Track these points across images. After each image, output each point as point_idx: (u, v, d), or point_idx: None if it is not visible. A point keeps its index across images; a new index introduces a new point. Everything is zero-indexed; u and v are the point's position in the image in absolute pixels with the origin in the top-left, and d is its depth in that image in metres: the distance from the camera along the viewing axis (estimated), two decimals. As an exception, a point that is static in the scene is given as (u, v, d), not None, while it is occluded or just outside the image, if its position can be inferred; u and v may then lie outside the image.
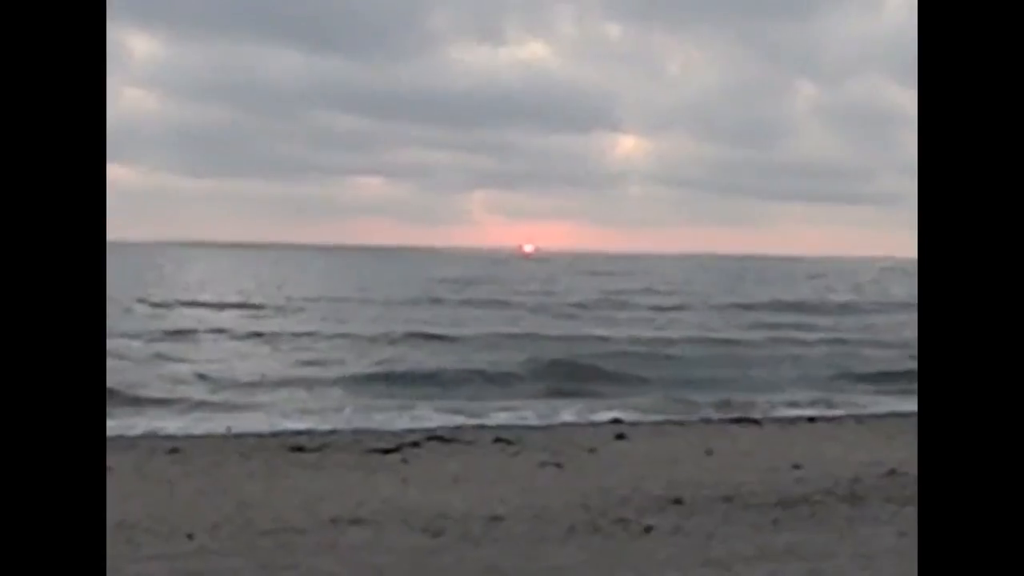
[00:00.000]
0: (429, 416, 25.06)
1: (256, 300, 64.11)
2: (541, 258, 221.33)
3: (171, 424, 23.56)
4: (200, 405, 26.91)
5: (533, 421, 24.49)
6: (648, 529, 12.39)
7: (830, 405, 27.88)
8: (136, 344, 38.02)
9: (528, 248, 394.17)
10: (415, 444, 19.30)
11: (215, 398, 28.20)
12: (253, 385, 30.92)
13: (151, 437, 21.19)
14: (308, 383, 31.54)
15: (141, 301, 59.09)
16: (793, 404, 27.77)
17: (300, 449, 18.71)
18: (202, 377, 31.92)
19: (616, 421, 24.03)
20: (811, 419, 24.66)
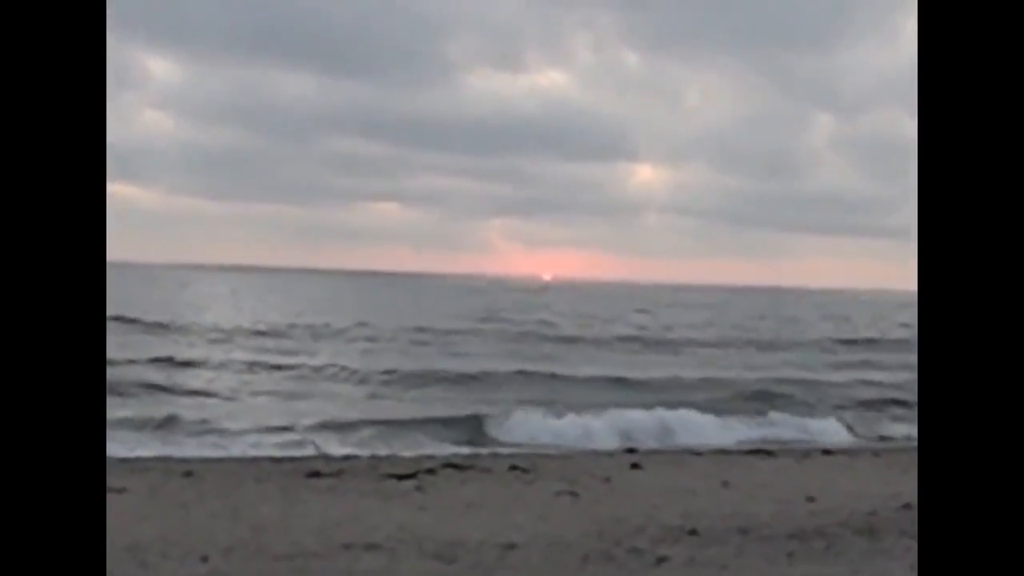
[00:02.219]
0: (445, 444, 25.07)
1: (274, 324, 63.86)
2: (560, 287, 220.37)
3: (185, 447, 23.57)
4: (214, 429, 26.91)
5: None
6: (662, 560, 12.35)
7: None
8: (149, 367, 37.99)
9: (546, 277, 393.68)
10: (431, 471, 19.25)
11: (229, 422, 28.18)
12: (268, 409, 30.93)
13: (166, 460, 21.19)
14: (326, 407, 31.54)
15: (156, 323, 58.95)
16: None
17: (316, 474, 18.68)
18: (216, 401, 31.94)
19: (631, 451, 24.01)
20: (826, 451, 24.62)
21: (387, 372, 40.42)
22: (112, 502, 15.18)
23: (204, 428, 26.92)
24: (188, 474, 18.51)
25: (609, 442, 26.50)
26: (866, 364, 50.51)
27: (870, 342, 63.55)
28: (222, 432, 26.49)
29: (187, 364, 41.46)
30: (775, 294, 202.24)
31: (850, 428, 31.10)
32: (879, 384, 41.57)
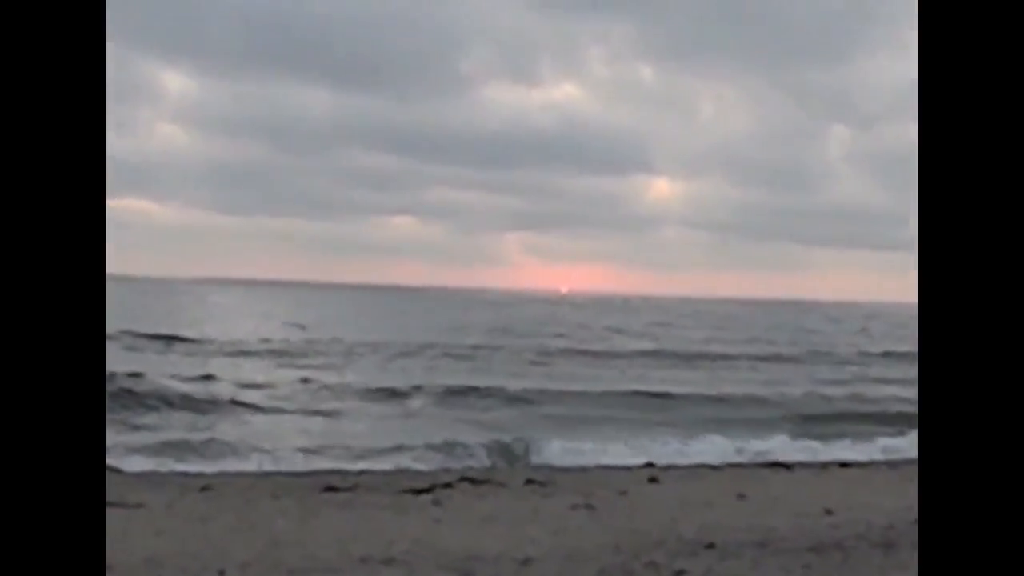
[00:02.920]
0: (461, 457, 25.06)
1: (290, 338, 63.92)
2: (577, 301, 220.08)
3: (203, 461, 23.59)
4: (233, 443, 26.92)
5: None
6: (679, 573, 12.33)
7: None
8: (168, 382, 38.01)
9: (563, 291, 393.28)
10: (447, 485, 19.26)
11: (248, 436, 28.20)
12: (286, 423, 30.97)
13: (183, 474, 21.23)
14: (343, 421, 31.57)
15: (172, 337, 59.08)
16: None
17: (332, 488, 18.69)
18: (235, 415, 31.98)
19: (649, 464, 23.98)
20: (844, 464, 24.57)
21: (424, 389, 39.95)
22: (129, 517, 15.25)
23: (221, 443, 26.94)
24: (205, 488, 18.54)
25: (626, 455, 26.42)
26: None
27: (904, 355, 63.00)
28: (240, 445, 26.50)
29: (207, 375, 41.55)
30: (793, 307, 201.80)
31: None
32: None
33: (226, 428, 29.84)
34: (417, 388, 40.04)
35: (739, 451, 27.47)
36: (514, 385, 41.54)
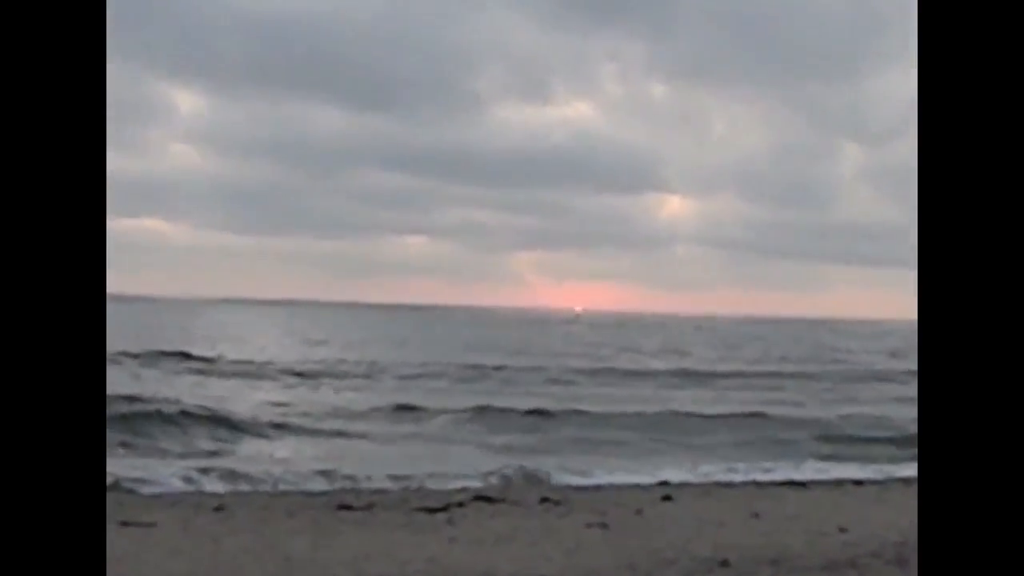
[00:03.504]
0: (476, 476, 25.02)
1: (307, 357, 63.86)
2: (592, 319, 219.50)
3: (216, 481, 23.58)
4: (247, 462, 26.94)
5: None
6: (694, 591, 12.33)
7: None
8: (181, 400, 37.99)
9: (577, 309, 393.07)
10: (461, 504, 19.24)
11: (263, 455, 28.23)
12: (301, 442, 30.99)
13: (196, 494, 21.23)
14: (359, 440, 31.58)
15: (186, 356, 59.06)
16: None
17: (347, 507, 18.69)
18: (250, 434, 31.98)
19: (663, 483, 23.95)
20: (858, 482, 24.52)
21: (443, 409, 39.46)
22: (143, 536, 15.27)
23: (235, 461, 26.95)
24: (219, 508, 18.54)
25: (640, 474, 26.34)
26: None
27: None
28: (253, 464, 26.51)
29: (220, 394, 41.55)
30: (809, 325, 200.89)
31: None
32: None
33: (241, 447, 29.87)
34: (436, 408, 39.67)
35: (762, 470, 27.40)
36: (531, 404, 41.00)
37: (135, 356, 55.89)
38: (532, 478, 25.37)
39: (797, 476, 25.87)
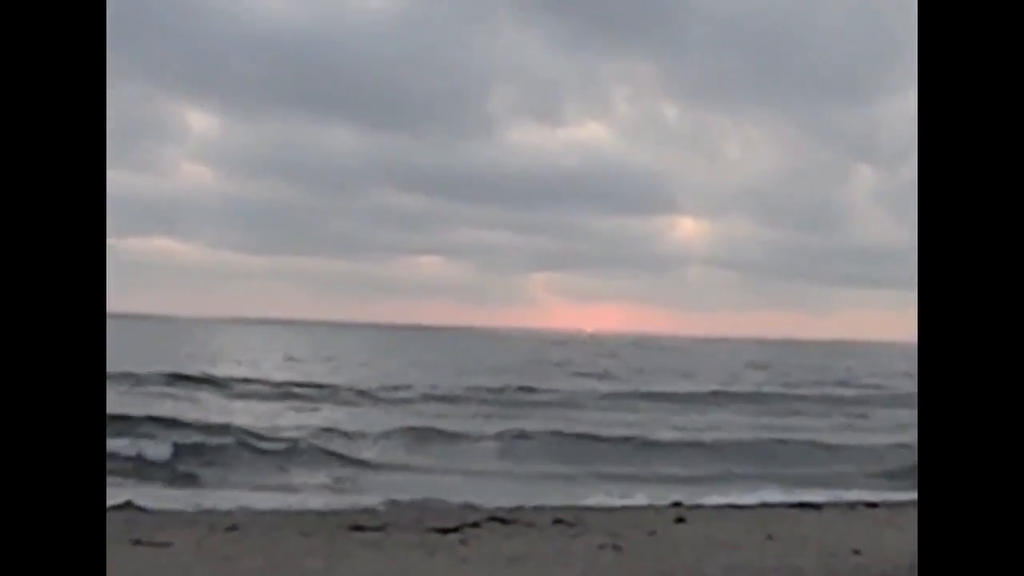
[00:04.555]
0: (490, 497, 24.99)
1: (323, 379, 63.55)
2: (607, 341, 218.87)
3: (231, 501, 23.62)
4: (261, 484, 26.99)
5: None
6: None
7: None
8: (196, 418, 37.98)
9: (589, 330, 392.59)
10: (475, 524, 19.23)
11: (278, 476, 28.26)
12: (314, 462, 31.00)
13: (210, 513, 21.23)
14: (375, 462, 31.60)
15: (202, 378, 58.87)
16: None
17: (360, 527, 18.69)
18: (264, 454, 31.99)
19: (676, 504, 23.91)
20: (871, 504, 24.47)
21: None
22: (157, 556, 15.30)
23: (251, 483, 27.00)
24: (233, 528, 18.55)
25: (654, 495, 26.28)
26: None
27: None
28: (268, 485, 26.54)
29: (237, 413, 41.47)
30: (824, 348, 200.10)
31: None
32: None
33: (256, 467, 29.88)
34: (462, 431, 38.86)
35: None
36: (549, 428, 40.02)
37: (176, 376, 55.40)
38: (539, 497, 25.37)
39: (813, 498, 25.83)
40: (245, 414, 42.42)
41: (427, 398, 52.88)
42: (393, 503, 23.89)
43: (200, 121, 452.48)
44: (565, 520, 19.87)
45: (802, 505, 23.91)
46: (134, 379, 52.05)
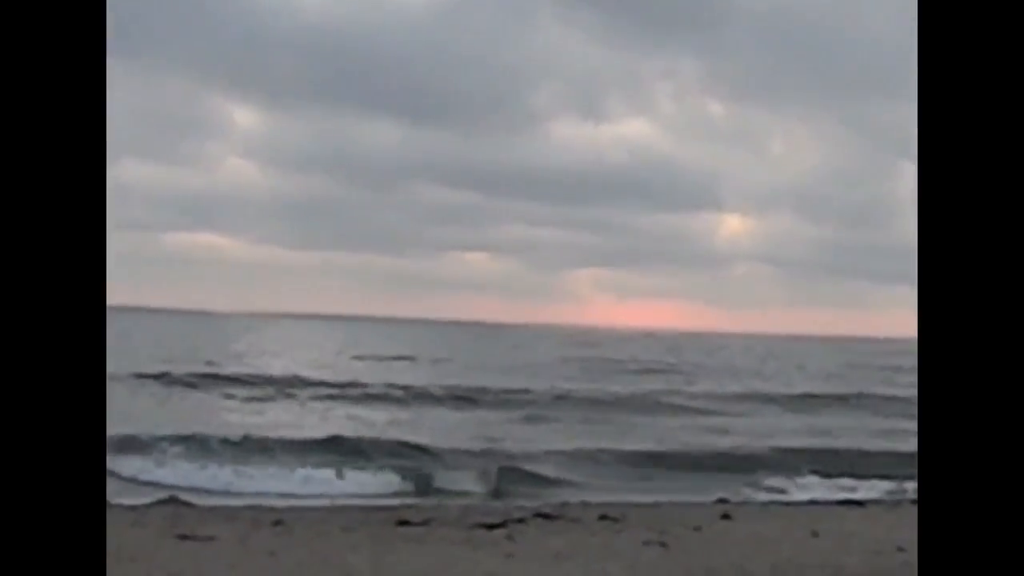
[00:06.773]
0: (536, 492, 24.99)
1: (377, 378, 63.25)
2: (659, 337, 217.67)
3: (275, 496, 23.69)
4: (305, 478, 27.06)
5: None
6: (751, 610, 12.28)
7: None
8: (241, 414, 38.07)
9: (637, 327, 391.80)
10: (520, 520, 19.21)
11: (322, 471, 28.30)
12: (360, 456, 31.04)
13: (255, 508, 21.26)
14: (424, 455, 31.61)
15: (249, 378, 58.59)
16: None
17: (405, 523, 18.68)
18: (309, 449, 32.04)
19: (722, 500, 23.86)
20: (916, 501, 24.31)
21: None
22: (201, 550, 15.34)
23: (296, 478, 27.06)
24: (277, 523, 18.57)
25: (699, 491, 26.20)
26: None
27: None
28: (312, 480, 26.59)
29: (282, 407, 41.46)
30: (873, 345, 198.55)
31: None
32: None
33: (305, 461, 29.92)
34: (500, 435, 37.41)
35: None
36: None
37: (237, 380, 54.91)
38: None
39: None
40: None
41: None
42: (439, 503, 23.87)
43: (245, 116, 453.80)
44: (610, 516, 19.82)
45: (847, 502, 23.81)
46: (200, 377, 52.12)
